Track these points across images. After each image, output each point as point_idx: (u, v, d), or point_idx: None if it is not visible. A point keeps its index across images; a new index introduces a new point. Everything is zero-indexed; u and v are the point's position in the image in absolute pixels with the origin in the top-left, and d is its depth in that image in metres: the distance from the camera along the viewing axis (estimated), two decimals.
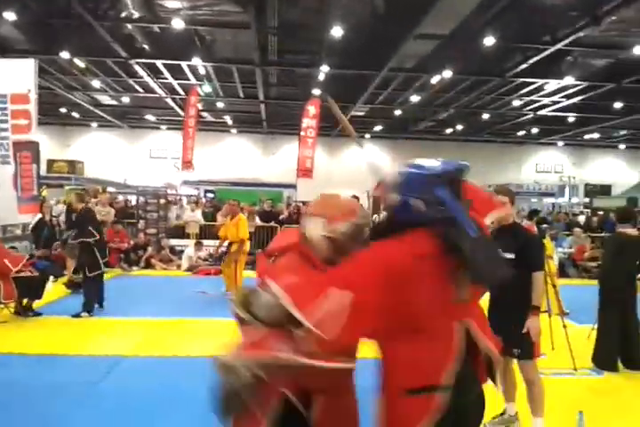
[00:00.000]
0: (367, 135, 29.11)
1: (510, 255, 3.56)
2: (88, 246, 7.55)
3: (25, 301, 7.38)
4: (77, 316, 7.33)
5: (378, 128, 26.93)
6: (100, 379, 4.79)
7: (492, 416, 4.06)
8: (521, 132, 27.19)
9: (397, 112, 23.33)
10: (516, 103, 20.80)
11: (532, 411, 3.86)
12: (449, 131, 27.03)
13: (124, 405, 4.21)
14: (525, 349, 3.79)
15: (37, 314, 7.40)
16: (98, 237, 7.64)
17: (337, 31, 13.09)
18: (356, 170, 28.39)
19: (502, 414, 4.12)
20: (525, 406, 3.98)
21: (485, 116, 23.48)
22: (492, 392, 4.08)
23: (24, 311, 7.33)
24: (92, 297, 7.56)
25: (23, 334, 6.41)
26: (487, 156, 28.90)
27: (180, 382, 4.78)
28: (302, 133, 17.11)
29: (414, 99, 20.35)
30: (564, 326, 5.64)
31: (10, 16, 12.35)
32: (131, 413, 4.05)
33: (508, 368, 4.04)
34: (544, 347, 5.80)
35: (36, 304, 7.52)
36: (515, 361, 3.98)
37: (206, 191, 24.10)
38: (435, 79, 17.18)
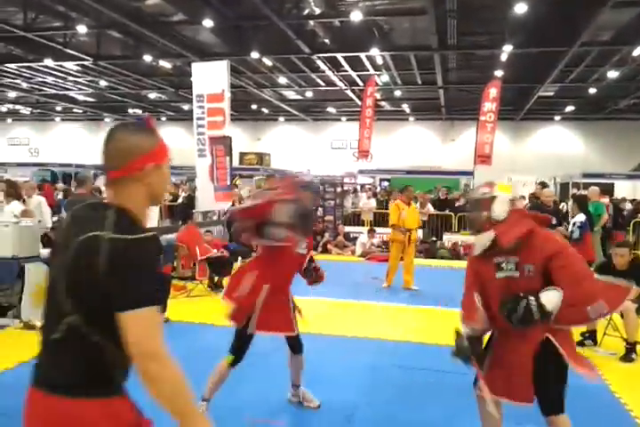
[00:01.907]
0: (557, 117, 27.00)
1: None
2: None
3: (216, 278, 8.28)
4: None
5: (569, 109, 24.78)
6: (271, 351, 5.20)
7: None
8: None
9: (592, 90, 21.22)
10: None
11: None
12: None
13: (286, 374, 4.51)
14: None
15: None
16: None
17: (520, 7, 12.31)
18: (541, 154, 26.60)
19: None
20: None
21: None
22: None
23: (215, 287, 8.22)
24: None
25: (214, 307, 7.16)
26: None
27: (345, 358, 5.00)
28: (482, 118, 16.45)
29: (612, 75, 18.33)
30: None
31: (208, 23, 13.68)
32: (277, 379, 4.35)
33: None
34: None
35: (226, 281, 8.36)
36: None
37: (381, 180, 24.41)
38: (637, 51, 15.30)
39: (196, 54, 16.41)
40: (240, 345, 3.67)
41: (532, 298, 2.58)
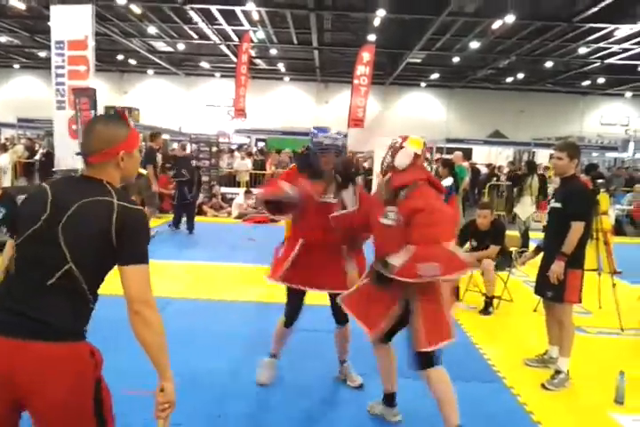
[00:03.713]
0: (423, 83, 28.26)
1: (558, 205, 4.02)
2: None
3: None
4: None
5: (434, 76, 26.04)
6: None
7: (535, 355, 4.39)
8: (586, 82, 25.78)
9: (455, 59, 22.43)
10: (583, 51, 19.64)
11: (559, 351, 4.10)
12: (509, 79, 25.88)
13: (173, 343, 4.44)
14: (557, 292, 3.97)
15: None
16: None
17: None
18: (408, 119, 27.83)
19: (543, 354, 4.36)
20: (576, 365, 4.10)
21: (548, 64, 22.26)
22: (539, 334, 4.27)
23: None
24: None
25: None
26: (548, 106, 27.69)
27: (225, 323, 4.99)
28: (355, 81, 16.75)
29: (474, 45, 19.47)
30: (614, 285, 5.51)
31: None
32: (173, 350, 4.27)
33: (551, 312, 4.21)
34: (591, 305, 5.75)
35: None
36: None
37: (257, 140, 24.19)
38: (496, 24, 16.32)
39: None
40: (288, 304, 3.68)
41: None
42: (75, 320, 1.80)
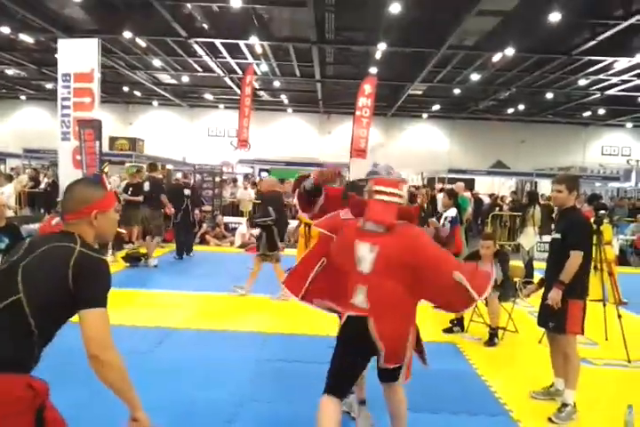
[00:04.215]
0: (425, 115, 28.58)
1: (558, 235, 4.06)
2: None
3: None
4: None
5: (436, 107, 26.34)
6: (150, 349, 4.99)
7: (541, 387, 4.31)
8: (586, 113, 26.00)
9: (457, 91, 22.72)
10: (582, 82, 19.86)
11: (565, 383, 4.02)
12: (510, 111, 26.16)
13: (172, 373, 4.38)
14: (558, 322, 3.94)
15: None
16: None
17: (395, 7, 12.81)
18: (411, 150, 28.05)
19: (550, 386, 4.29)
20: (583, 397, 4.01)
21: (549, 95, 22.52)
22: (545, 366, 4.20)
23: None
24: None
25: None
26: (550, 137, 27.90)
27: (228, 353, 4.92)
28: (357, 113, 16.92)
29: (474, 77, 19.76)
30: (619, 316, 5.44)
31: None
32: (177, 381, 4.21)
33: (555, 344, 4.15)
34: (597, 336, 5.66)
35: None
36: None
37: (261, 170, 24.37)
38: (496, 57, 16.62)
39: (63, 30, 15.20)
40: None
41: None
42: (15, 351, 1.83)
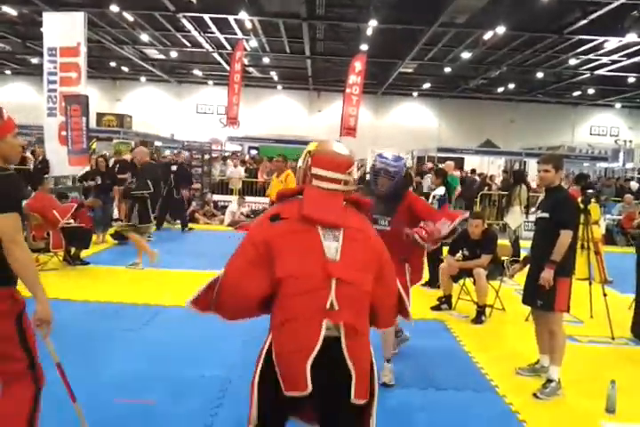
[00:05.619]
0: (415, 93, 28.42)
1: (545, 214, 4.07)
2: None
3: (73, 250, 7.68)
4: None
5: (426, 86, 26.21)
6: (140, 327, 5.01)
7: (526, 364, 4.38)
8: (576, 93, 26.02)
9: (447, 69, 22.59)
10: (573, 62, 19.82)
11: (550, 359, 4.10)
12: (500, 90, 26.09)
13: (161, 350, 4.41)
14: (547, 301, 3.99)
15: (85, 263, 7.69)
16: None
17: None
18: (400, 128, 27.96)
19: (535, 363, 4.37)
20: (568, 374, 4.10)
21: (539, 74, 22.47)
22: (530, 343, 4.27)
23: (72, 260, 7.64)
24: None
25: (70, 282, 6.70)
26: (539, 117, 27.93)
27: (216, 331, 4.95)
28: (347, 90, 16.79)
29: (465, 56, 19.64)
30: (605, 295, 5.53)
31: None
32: (166, 358, 4.25)
33: (541, 321, 4.20)
34: (582, 314, 5.76)
35: (84, 253, 7.83)
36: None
37: (250, 148, 24.20)
38: (487, 35, 16.50)
39: (47, 3, 14.85)
40: None
41: None
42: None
